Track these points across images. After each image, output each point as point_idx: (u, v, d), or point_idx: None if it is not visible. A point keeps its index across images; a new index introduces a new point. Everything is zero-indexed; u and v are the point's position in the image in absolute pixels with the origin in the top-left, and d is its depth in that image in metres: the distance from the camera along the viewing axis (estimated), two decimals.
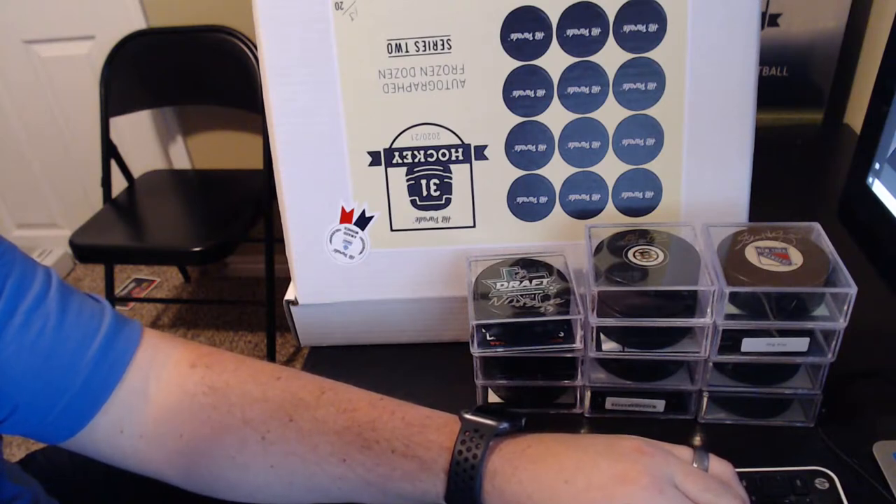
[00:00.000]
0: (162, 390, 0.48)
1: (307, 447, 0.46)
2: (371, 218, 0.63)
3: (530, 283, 0.57)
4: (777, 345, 0.52)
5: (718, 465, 0.43)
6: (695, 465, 0.42)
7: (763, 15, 0.97)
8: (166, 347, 0.50)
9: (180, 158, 2.00)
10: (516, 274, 0.59)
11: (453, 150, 0.61)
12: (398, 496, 0.44)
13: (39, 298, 0.45)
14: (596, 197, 0.62)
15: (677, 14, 0.57)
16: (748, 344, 0.52)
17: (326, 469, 0.45)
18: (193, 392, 0.48)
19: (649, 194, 0.62)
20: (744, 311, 0.52)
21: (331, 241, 0.64)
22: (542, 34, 0.58)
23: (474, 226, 0.63)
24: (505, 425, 0.44)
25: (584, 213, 0.62)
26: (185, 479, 0.49)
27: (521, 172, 0.62)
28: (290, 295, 0.66)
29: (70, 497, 0.61)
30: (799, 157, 0.99)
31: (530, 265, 0.60)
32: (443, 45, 0.59)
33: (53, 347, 0.45)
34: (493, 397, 0.61)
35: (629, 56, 0.58)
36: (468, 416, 0.45)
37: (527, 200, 0.62)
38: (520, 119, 0.60)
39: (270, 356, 1.79)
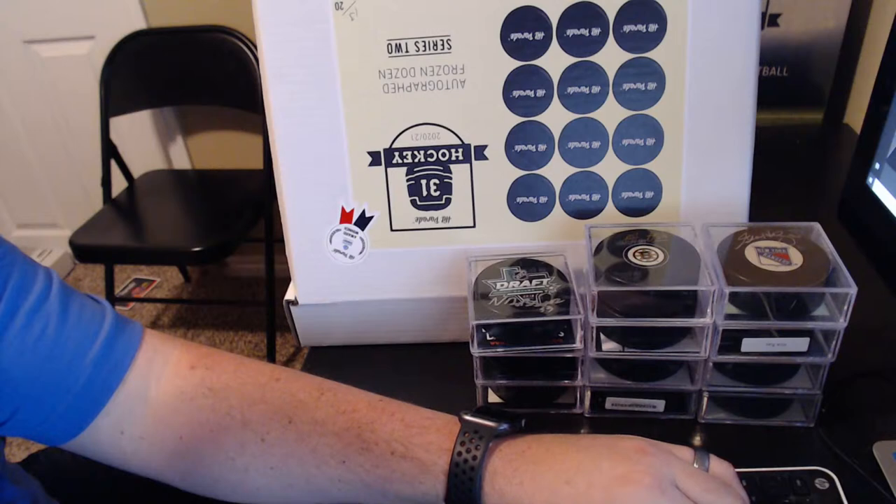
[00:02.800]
0: (162, 392, 0.48)
1: (306, 448, 0.46)
2: (371, 218, 0.63)
3: (530, 283, 0.57)
4: (777, 345, 0.52)
5: (719, 466, 0.43)
6: (695, 465, 0.42)
7: (763, 15, 0.97)
8: (166, 349, 0.50)
9: (180, 158, 2.00)
10: (516, 274, 0.59)
11: (453, 150, 0.61)
12: (398, 498, 0.44)
13: (41, 300, 0.45)
14: (596, 197, 0.62)
15: (677, 14, 0.57)
16: (748, 344, 0.52)
17: (326, 470, 0.45)
18: (193, 394, 0.48)
19: (649, 194, 0.62)
20: (744, 311, 0.52)
21: (331, 241, 0.64)
22: (542, 34, 0.58)
23: (474, 226, 0.63)
24: (505, 426, 0.44)
25: (584, 213, 0.62)
26: (184, 481, 0.49)
27: (521, 172, 0.62)
28: (290, 295, 0.66)
29: (71, 498, 0.61)
30: (799, 157, 0.99)
31: (530, 265, 0.60)
32: (443, 45, 0.59)
33: (55, 349, 0.45)
34: (493, 397, 0.61)
35: (629, 56, 0.58)
36: (468, 418, 0.44)
37: (527, 200, 0.62)
38: (520, 119, 0.60)
39: (270, 356, 1.79)
